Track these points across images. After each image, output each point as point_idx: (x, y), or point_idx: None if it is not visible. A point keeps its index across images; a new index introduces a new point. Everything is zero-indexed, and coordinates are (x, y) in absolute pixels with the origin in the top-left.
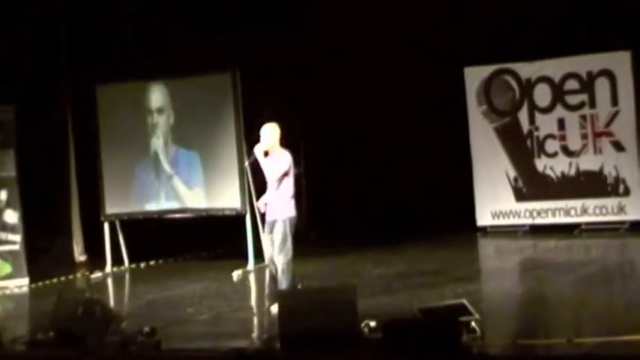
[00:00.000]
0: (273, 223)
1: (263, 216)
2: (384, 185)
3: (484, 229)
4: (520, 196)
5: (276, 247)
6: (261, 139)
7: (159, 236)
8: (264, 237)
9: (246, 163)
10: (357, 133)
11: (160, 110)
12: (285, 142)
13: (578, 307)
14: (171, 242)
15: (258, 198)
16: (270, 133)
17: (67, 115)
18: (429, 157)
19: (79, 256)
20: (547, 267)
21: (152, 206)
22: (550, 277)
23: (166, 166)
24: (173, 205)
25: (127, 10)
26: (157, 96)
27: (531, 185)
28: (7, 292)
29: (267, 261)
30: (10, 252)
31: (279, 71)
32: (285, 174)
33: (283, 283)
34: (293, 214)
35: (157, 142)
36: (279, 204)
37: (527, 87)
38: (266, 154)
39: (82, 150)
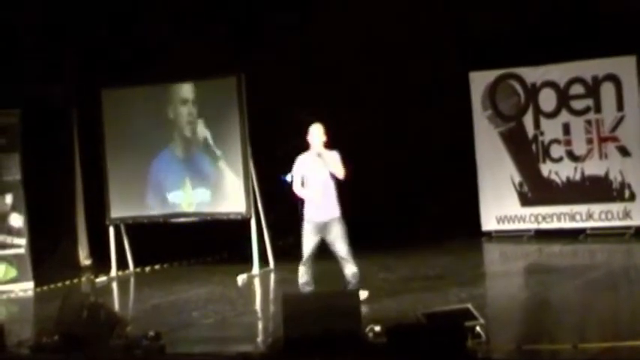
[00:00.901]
0: (326, 224)
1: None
2: (389, 189)
3: (489, 234)
4: (525, 200)
5: (345, 244)
6: (314, 139)
7: (164, 240)
8: (310, 237)
9: (290, 177)
10: (361, 137)
11: (185, 101)
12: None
13: (584, 312)
14: (176, 246)
15: (263, 202)
16: (320, 132)
17: (72, 119)
18: (434, 162)
19: (84, 260)
20: (552, 272)
21: (177, 197)
22: (555, 282)
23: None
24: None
25: (132, 14)
26: (186, 92)
27: (536, 190)
28: (13, 295)
29: (305, 260)
30: (16, 256)
31: (283, 77)
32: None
33: (354, 279)
34: (340, 213)
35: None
36: (333, 203)
37: (533, 92)
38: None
39: (87, 154)
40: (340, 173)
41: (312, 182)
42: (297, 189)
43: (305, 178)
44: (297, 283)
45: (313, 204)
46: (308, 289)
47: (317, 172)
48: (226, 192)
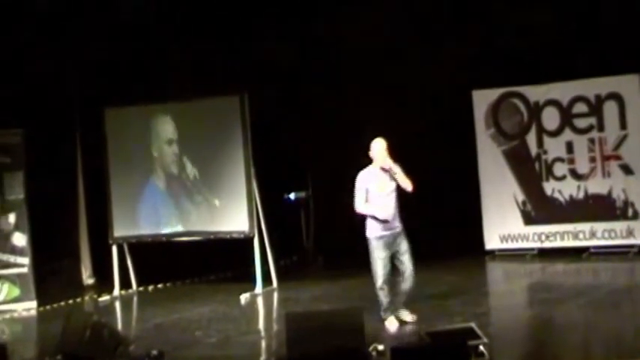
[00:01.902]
0: (396, 235)
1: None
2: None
3: (492, 253)
4: (528, 219)
5: (410, 258)
6: (376, 154)
7: (167, 259)
8: (380, 254)
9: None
10: (363, 156)
11: (170, 142)
12: (294, 167)
13: (587, 331)
14: (180, 265)
15: (266, 221)
16: (383, 147)
17: (75, 139)
18: (436, 181)
19: (87, 279)
20: (555, 291)
21: (163, 230)
22: (558, 300)
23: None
24: (179, 228)
25: (135, 33)
26: (169, 127)
27: (540, 209)
28: (16, 315)
29: (382, 282)
30: (19, 275)
31: (284, 96)
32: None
33: (410, 284)
34: None
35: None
36: (397, 215)
37: (536, 110)
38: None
39: (90, 173)
40: (408, 185)
41: (378, 197)
42: (360, 206)
43: (369, 194)
44: (301, 301)
45: (380, 219)
46: (392, 308)
47: (383, 187)
48: (229, 211)
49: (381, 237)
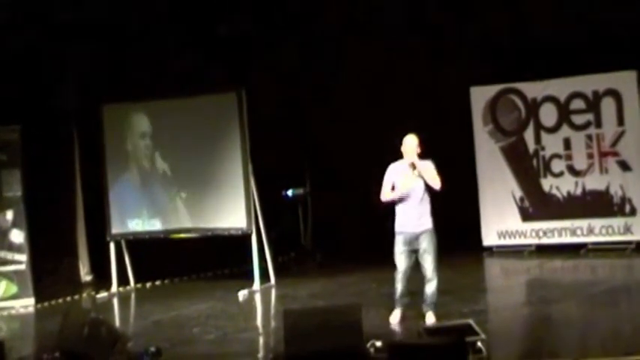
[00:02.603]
0: (418, 236)
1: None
2: (389, 205)
3: (490, 249)
4: (526, 215)
5: (434, 259)
6: (407, 150)
7: (165, 256)
8: (400, 249)
9: (415, 173)
10: (361, 153)
11: (143, 135)
12: (290, 164)
13: (585, 327)
14: (177, 262)
15: (264, 217)
16: (414, 143)
17: (72, 135)
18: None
19: (85, 276)
20: (553, 287)
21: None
22: (556, 297)
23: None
24: (174, 225)
25: (132, 29)
26: (144, 122)
27: (537, 205)
28: (13, 312)
29: (399, 275)
30: (16, 272)
31: (283, 92)
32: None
33: (434, 296)
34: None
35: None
36: (425, 215)
37: (533, 106)
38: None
39: (87, 170)
40: (436, 184)
41: (409, 192)
42: (385, 194)
43: (396, 187)
44: (299, 298)
45: (404, 214)
46: (403, 301)
47: (409, 183)
48: (226, 208)
49: (400, 232)
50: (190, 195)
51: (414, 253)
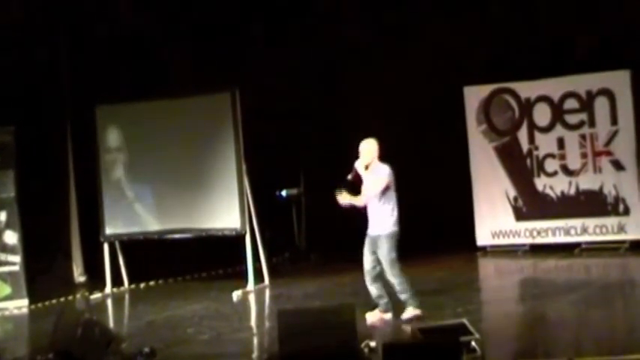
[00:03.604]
0: (376, 239)
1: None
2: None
3: (484, 249)
4: (520, 215)
5: (385, 263)
6: (361, 153)
7: (159, 257)
8: (364, 250)
9: (349, 177)
10: (356, 153)
11: (118, 149)
12: (285, 162)
13: (579, 326)
14: (172, 263)
15: (258, 218)
16: (369, 147)
17: (66, 136)
18: (428, 177)
19: (79, 277)
20: (547, 286)
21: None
22: (550, 296)
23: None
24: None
25: (127, 30)
26: (114, 135)
27: (531, 204)
28: (7, 313)
29: (366, 276)
30: (10, 273)
31: (278, 91)
32: (387, 187)
33: (403, 296)
34: (394, 229)
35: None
36: (382, 218)
37: (527, 106)
38: (366, 168)
39: (81, 171)
40: (365, 195)
41: (367, 195)
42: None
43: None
44: (293, 298)
45: (369, 217)
46: (380, 302)
47: (368, 186)
48: (220, 208)
49: (367, 234)
50: (184, 195)
51: (374, 254)
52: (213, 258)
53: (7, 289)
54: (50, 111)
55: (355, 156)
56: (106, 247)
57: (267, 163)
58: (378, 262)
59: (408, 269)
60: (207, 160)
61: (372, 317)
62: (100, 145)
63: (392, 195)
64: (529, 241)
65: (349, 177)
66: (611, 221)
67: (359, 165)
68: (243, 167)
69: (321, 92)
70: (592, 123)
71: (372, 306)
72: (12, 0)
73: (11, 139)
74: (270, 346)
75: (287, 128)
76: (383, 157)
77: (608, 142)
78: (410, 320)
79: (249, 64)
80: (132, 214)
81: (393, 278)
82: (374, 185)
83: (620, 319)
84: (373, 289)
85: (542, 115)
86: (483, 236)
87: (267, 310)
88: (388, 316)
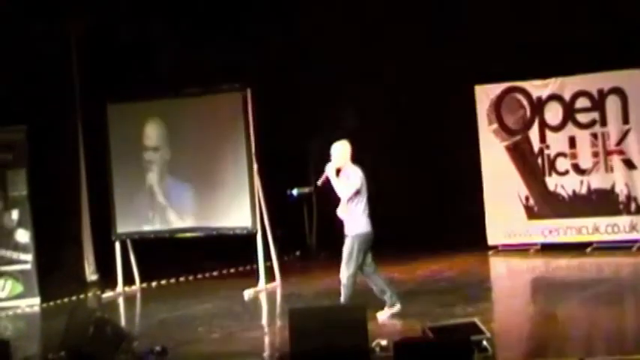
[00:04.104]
0: (345, 239)
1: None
2: (395, 204)
3: (495, 248)
4: (531, 214)
5: (344, 259)
6: (332, 156)
7: (170, 255)
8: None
9: (319, 182)
10: (366, 151)
11: (155, 149)
12: (296, 161)
13: (590, 326)
14: (183, 262)
15: (269, 217)
16: (341, 150)
17: (78, 134)
18: (439, 176)
19: (90, 276)
20: (559, 286)
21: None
22: (562, 295)
23: (160, 197)
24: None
25: (138, 29)
26: (154, 132)
27: (543, 204)
28: (19, 311)
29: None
30: (22, 271)
31: (289, 89)
32: (357, 192)
33: (343, 297)
34: (364, 231)
35: (153, 177)
36: (350, 220)
37: (538, 105)
38: (338, 171)
39: (93, 169)
40: (342, 193)
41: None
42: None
43: None
44: (304, 297)
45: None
46: (385, 299)
47: (339, 189)
48: (231, 207)
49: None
50: (195, 194)
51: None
52: (225, 257)
53: (19, 288)
54: (61, 109)
55: (355, 156)
56: (117, 245)
57: (278, 161)
58: (369, 258)
59: (418, 269)
60: (219, 159)
61: (382, 315)
62: (111, 143)
63: (363, 198)
64: (540, 240)
65: (319, 182)
66: (622, 220)
67: (329, 168)
68: (255, 166)
69: (331, 91)
70: (603, 122)
71: (382, 305)
72: None
73: (23, 137)
74: (281, 345)
75: (298, 127)
76: (396, 154)
77: (620, 141)
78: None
79: (261, 62)
80: (143, 212)
81: (345, 277)
82: (344, 190)
83: (632, 318)
84: (374, 287)
85: (553, 113)
86: (495, 235)
87: (278, 309)
88: (396, 308)
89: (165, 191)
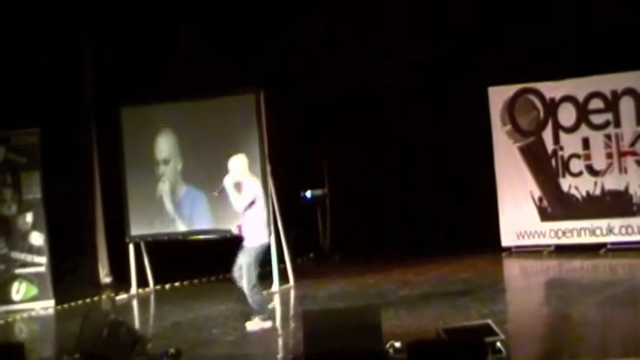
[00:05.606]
0: (242, 248)
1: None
2: (409, 206)
3: (509, 249)
4: (545, 215)
5: (244, 270)
6: (230, 170)
7: (184, 258)
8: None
9: (215, 194)
10: (380, 154)
11: (166, 161)
12: (310, 165)
13: (604, 327)
14: (196, 264)
15: (283, 219)
16: (238, 164)
17: (91, 137)
18: (453, 178)
19: (105, 278)
20: (572, 287)
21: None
22: (575, 297)
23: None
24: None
25: (151, 32)
26: (164, 144)
27: (556, 205)
28: (33, 313)
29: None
30: (36, 274)
31: (302, 93)
32: (252, 203)
33: (253, 306)
34: (259, 243)
35: (164, 187)
36: (247, 232)
37: (552, 106)
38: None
39: (106, 172)
40: (237, 206)
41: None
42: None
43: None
44: (318, 299)
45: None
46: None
47: (234, 202)
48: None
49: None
50: (208, 196)
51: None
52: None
53: (33, 290)
54: (75, 112)
55: (378, 156)
56: (131, 247)
57: (292, 164)
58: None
59: (432, 270)
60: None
61: (252, 325)
62: (125, 146)
63: (259, 209)
64: (554, 241)
65: (216, 193)
66: (636, 221)
67: (227, 181)
68: (268, 168)
69: (345, 94)
70: (617, 123)
71: (397, 307)
72: (36, 2)
73: (37, 140)
74: (295, 347)
75: (312, 130)
76: (409, 157)
77: (634, 142)
78: (255, 331)
79: (274, 65)
80: (157, 214)
81: (248, 286)
82: (239, 202)
83: None
84: (236, 292)
85: (567, 115)
86: (508, 237)
87: (292, 311)
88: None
89: (177, 201)
